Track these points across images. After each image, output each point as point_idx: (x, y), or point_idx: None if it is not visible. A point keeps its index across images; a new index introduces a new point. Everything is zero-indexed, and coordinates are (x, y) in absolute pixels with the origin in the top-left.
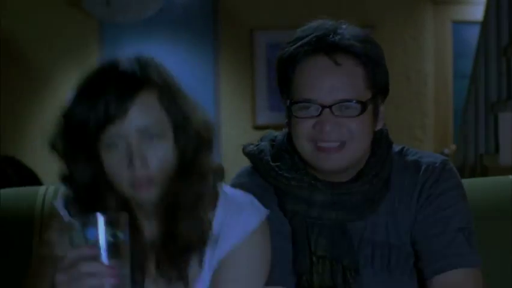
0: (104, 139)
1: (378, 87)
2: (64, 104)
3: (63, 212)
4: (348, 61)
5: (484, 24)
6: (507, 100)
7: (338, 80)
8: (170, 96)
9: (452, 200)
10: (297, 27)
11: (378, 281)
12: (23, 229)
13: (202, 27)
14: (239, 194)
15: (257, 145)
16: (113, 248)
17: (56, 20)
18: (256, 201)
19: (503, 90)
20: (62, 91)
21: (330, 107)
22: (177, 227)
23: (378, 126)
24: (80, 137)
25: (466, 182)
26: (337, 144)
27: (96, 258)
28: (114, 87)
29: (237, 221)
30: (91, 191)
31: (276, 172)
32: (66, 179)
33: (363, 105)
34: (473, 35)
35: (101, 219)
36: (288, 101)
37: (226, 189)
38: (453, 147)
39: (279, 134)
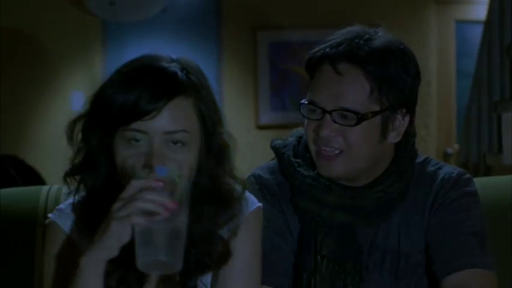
0: (127, 133)
1: (392, 101)
2: (67, 104)
3: (63, 222)
4: (353, 72)
5: (487, 23)
6: (510, 100)
7: (341, 88)
8: (206, 103)
9: (465, 206)
10: (300, 27)
11: (386, 285)
12: (26, 229)
13: (205, 26)
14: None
15: (285, 140)
16: (177, 189)
17: (60, 20)
18: (252, 196)
19: (506, 89)
20: (66, 90)
21: (330, 112)
22: (192, 247)
23: (393, 139)
24: (103, 121)
25: None
26: (335, 151)
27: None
28: (152, 81)
29: None
30: (102, 184)
31: (295, 168)
32: (77, 169)
33: (361, 117)
34: (476, 34)
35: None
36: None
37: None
38: (456, 146)
39: None
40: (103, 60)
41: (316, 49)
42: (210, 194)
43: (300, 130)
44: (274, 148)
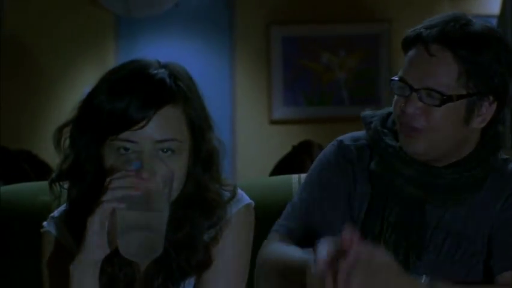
0: (116, 142)
1: (479, 87)
2: (80, 98)
3: (56, 230)
4: (444, 54)
5: (501, 17)
6: None
7: (431, 68)
8: (195, 110)
9: None
10: (314, 22)
11: (439, 268)
12: (39, 224)
13: (218, 21)
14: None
15: (374, 111)
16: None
17: (73, 15)
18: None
19: None
20: (79, 85)
21: (417, 90)
22: (174, 253)
23: (477, 125)
24: (91, 130)
25: None
26: (417, 129)
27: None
28: (140, 90)
29: None
30: (89, 192)
31: (380, 136)
32: (64, 176)
33: (446, 98)
34: None
35: None
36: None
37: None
38: None
39: None
40: (116, 55)
41: (413, 29)
42: (194, 200)
43: (391, 107)
44: (363, 117)
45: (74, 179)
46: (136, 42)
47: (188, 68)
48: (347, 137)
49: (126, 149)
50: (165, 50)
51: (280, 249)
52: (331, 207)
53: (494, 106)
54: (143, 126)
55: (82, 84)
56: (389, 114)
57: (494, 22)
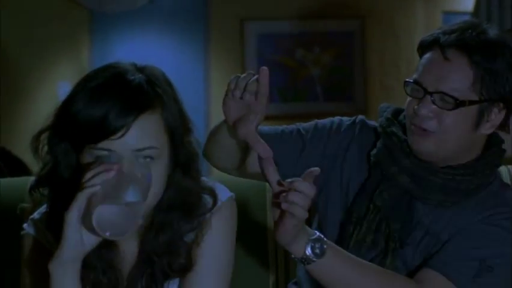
0: (94, 151)
1: (491, 94)
2: (53, 95)
3: (36, 232)
4: (460, 60)
5: (475, 14)
6: None
7: (446, 73)
8: (173, 115)
9: (500, 238)
10: (288, 18)
11: (412, 263)
12: (12, 220)
13: (193, 17)
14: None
15: (390, 104)
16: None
17: (46, 10)
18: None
19: None
20: (52, 80)
21: (431, 93)
22: (156, 256)
23: (485, 130)
24: (69, 137)
25: None
26: (428, 131)
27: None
28: (118, 101)
29: None
30: (69, 199)
31: (388, 124)
32: (43, 182)
33: (459, 103)
34: None
35: None
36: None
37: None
38: None
39: None
40: (90, 50)
41: (430, 33)
42: (175, 204)
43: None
44: (380, 107)
45: (53, 185)
46: (110, 37)
47: (163, 64)
48: (364, 119)
49: (106, 159)
50: (139, 45)
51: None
52: (312, 148)
53: (503, 113)
54: (122, 135)
55: (55, 79)
56: (403, 110)
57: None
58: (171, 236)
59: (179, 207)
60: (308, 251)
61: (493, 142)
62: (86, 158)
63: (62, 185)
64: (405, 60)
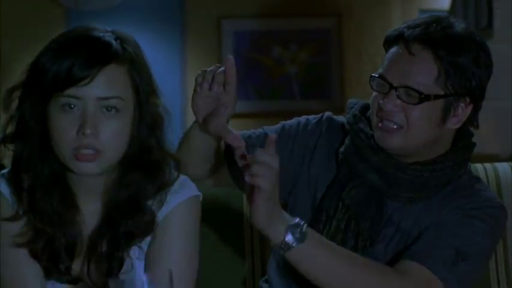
0: (61, 99)
1: (457, 88)
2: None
3: (3, 188)
4: (424, 54)
5: (451, 12)
6: None
7: (410, 67)
8: (140, 73)
9: (471, 227)
10: (265, 16)
11: (383, 260)
12: None
13: (170, 15)
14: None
15: (359, 100)
16: None
17: (22, 7)
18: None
19: None
20: None
21: (396, 88)
22: (120, 216)
23: (452, 125)
24: (38, 89)
25: None
26: (395, 126)
27: None
28: (86, 49)
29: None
30: (32, 153)
31: (355, 121)
32: (9, 138)
33: (423, 97)
34: None
35: None
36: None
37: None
38: None
39: None
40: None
41: (395, 28)
42: (138, 161)
43: None
44: (348, 103)
45: (20, 139)
46: None
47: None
48: (330, 115)
49: (70, 107)
50: None
51: None
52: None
53: (470, 108)
54: (88, 83)
55: None
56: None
57: None
58: (134, 193)
59: (143, 166)
60: (288, 237)
61: (462, 136)
62: (53, 107)
63: (28, 135)
64: (382, 57)
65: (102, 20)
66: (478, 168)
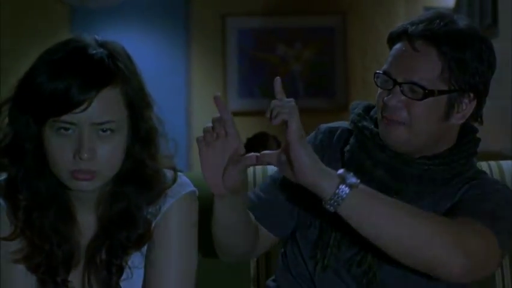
0: (57, 123)
1: (460, 84)
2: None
3: None
4: (428, 50)
5: (456, 10)
6: None
7: (414, 63)
8: (133, 89)
9: (499, 193)
10: (269, 14)
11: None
12: None
13: (174, 13)
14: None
15: (362, 101)
16: None
17: (27, 5)
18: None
19: None
20: None
21: (400, 84)
22: (114, 227)
23: (456, 121)
24: (33, 110)
25: None
26: (399, 122)
27: None
28: (82, 70)
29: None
30: (28, 173)
31: (359, 119)
32: (1, 155)
33: (427, 92)
34: None
35: None
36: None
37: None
38: None
39: None
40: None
41: (399, 25)
42: (131, 176)
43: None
44: (352, 104)
45: (13, 157)
46: (91, 33)
47: (144, 59)
48: (324, 125)
49: (66, 129)
50: (120, 41)
51: None
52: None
53: (474, 103)
54: (84, 109)
55: None
56: (374, 105)
57: None
58: (126, 206)
59: (136, 180)
60: (341, 186)
61: (467, 131)
62: (48, 129)
63: (22, 156)
64: (387, 56)
65: (107, 18)
66: (483, 166)
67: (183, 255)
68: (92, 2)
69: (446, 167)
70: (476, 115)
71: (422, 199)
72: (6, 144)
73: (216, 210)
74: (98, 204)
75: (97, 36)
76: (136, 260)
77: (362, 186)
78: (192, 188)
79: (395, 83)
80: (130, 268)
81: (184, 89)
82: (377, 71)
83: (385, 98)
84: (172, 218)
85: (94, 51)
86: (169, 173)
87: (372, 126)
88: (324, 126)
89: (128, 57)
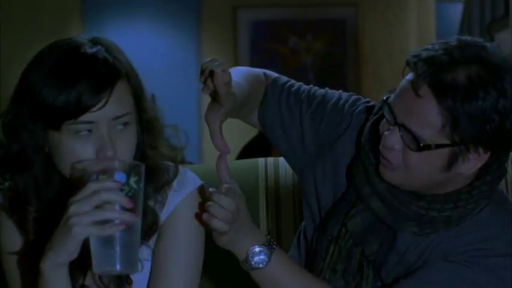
0: (74, 126)
1: (465, 138)
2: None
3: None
4: (430, 99)
5: (467, 2)
6: None
7: (415, 109)
8: (135, 81)
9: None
10: (281, 5)
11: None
12: None
13: (186, 4)
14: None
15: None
16: (134, 195)
17: None
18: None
19: None
20: None
21: (400, 125)
22: None
23: (464, 171)
24: (40, 120)
25: None
26: (392, 163)
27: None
28: (90, 78)
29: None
30: (37, 184)
31: (366, 141)
32: (6, 170)
33: (423, 147)
34: (456, 13)
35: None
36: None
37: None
38: None
39: None
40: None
41: (415, 53)
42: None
43: None
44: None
45: (19, 169)
46: (101, 23)
47: (155, 50)
48: (363, 106)
49: (88, 131)
50: (131, 32)
51: None
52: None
53: (485, 156)
54: (101, 107)
55: None
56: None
57: (460, 8)
58: None
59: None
60: (252, 259)
61: (490, 169)
62: (65, 133)
63: (29, 166)
64: (398, 48)
65: (117, 10)
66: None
67: (190, 253)
68: None
69: (451, 209)
70: (490, 167)
71: (423, 237)
72: (11, 158)
73: None
74: None
75: (83, 35)
76: (144, 253)
77: (274, 260)
78: (196, 184)
79: (396, 121)
80: (140, 261)
81: (195, 81)
82: (385, 100)
83: (386, 133)
84: (178, 219)
85: (94, 50)
86: (173, 167)
87: (372, 158)
88: (361, 110)
89: (121, 51)
